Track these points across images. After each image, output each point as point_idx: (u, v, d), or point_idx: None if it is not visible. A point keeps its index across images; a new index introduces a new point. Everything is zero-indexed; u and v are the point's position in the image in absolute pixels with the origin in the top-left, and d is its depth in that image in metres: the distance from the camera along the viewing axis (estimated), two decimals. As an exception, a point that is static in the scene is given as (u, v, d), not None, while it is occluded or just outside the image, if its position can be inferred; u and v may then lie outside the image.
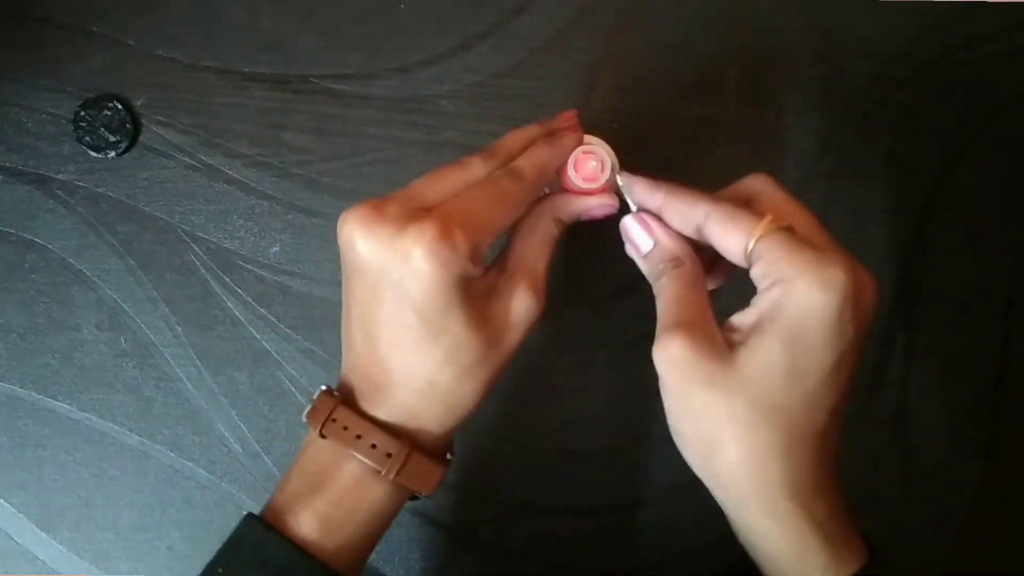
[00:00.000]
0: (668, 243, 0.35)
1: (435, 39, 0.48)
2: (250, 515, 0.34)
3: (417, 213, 0.32)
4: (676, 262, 0.35)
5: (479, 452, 0.47)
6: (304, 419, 0.35)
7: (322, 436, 0.34)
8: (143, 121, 0.48)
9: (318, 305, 0.47)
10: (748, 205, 0.34)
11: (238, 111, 0.48)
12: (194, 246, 0.48)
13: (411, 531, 0.47)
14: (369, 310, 0.33)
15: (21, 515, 0.47)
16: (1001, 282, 0.49)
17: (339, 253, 0.34)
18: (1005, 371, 0.48)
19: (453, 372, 0.33)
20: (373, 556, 0.47)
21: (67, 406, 0.47)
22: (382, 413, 0.34)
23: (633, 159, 0.48)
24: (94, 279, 0.47)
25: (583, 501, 0.47)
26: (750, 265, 0.32)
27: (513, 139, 0.37)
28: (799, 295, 0.30)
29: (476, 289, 0.34)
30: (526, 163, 0.36)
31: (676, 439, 0.33)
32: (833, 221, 0.48)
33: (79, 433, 0.47)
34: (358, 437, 0.33)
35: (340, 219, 0.33)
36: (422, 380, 0.33)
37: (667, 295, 0.34)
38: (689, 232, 0.35)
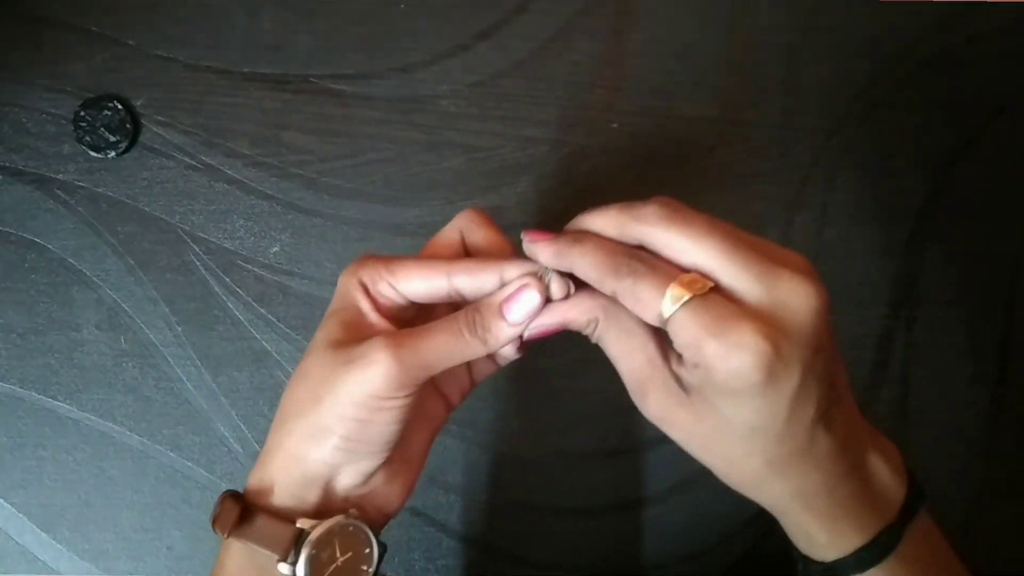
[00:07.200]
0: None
1: (435, 39, 0.48)
2: None
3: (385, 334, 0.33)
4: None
5: (479, 453, 0.47)
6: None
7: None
8: (143, 121, 0.48)
9: (318, 305, 0.47)
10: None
11: (238, 111, 0.48)
12: (194, 246, 0.48)
13: (411, 531, 0.47)
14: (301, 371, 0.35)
15: (21, 515, 0.47)
16: (1000, 282, 0.49)
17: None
18: (1005, 371, 0.48)
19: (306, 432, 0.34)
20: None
21: (67, 406, 0.47)
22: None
23: (633, 159, 0.48)
24: (94, 279, 0.47)
25: (583, 501, 0.47)
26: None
27: None
28: (719, 378, 0.28)
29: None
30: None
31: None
32: (833, 221, 0.48)
33: (79, 433, 0.47)
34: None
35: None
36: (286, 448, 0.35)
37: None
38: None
